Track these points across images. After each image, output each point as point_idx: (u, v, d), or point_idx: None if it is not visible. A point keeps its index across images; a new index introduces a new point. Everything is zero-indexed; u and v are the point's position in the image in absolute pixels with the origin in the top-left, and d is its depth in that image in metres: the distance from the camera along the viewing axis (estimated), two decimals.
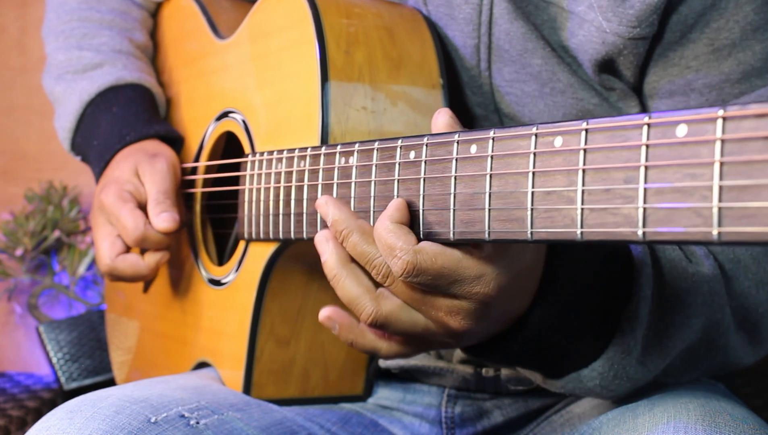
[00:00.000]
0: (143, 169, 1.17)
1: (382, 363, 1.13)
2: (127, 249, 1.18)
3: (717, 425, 0.86)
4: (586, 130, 0.61)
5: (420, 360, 1.12)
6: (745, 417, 0.91)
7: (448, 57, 1.05)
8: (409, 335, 0.82)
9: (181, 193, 1.23)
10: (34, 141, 2.04)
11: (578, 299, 0.82)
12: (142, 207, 1.16)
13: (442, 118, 0.77)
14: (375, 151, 0.82)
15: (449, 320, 0.78)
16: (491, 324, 0.80)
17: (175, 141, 1.27)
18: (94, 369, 1.76)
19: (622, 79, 1.00)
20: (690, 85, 0.97)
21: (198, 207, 1.23)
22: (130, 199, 1.15)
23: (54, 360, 1.76)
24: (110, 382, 1.66)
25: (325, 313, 0.85)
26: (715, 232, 0.53)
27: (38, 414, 1.62)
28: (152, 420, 0.93)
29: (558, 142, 0.64)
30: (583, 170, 0.61)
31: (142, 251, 1.18)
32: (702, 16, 0.94)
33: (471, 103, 1.07)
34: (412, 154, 0.78)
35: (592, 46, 0.96)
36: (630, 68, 0.98)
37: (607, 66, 0.98)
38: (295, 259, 1.04)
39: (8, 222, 1.87)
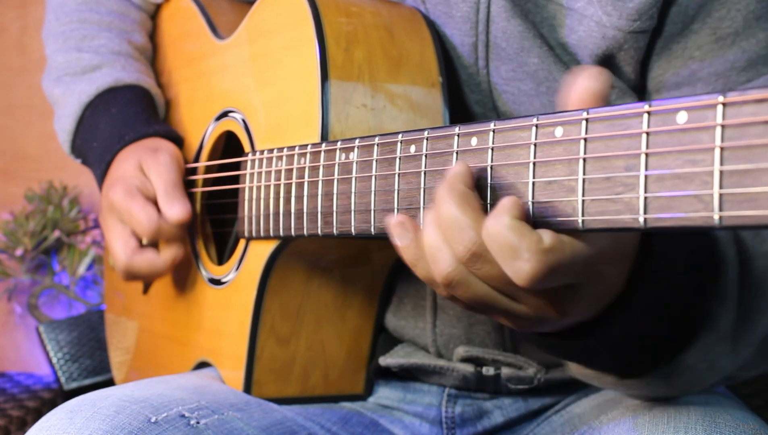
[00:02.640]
0: (147, 164, 1.17)
1: (382, 361, 1.13)
2: (142, 245, 1.18)
3: (717, 425, 0.86)
4: (587, 120, 0.62)
5: (420, 359, 1.12)
6: (745, 417, 0.91)
7: (446, 55, 1.05)
8: (481, 305, 0.72)
9: (184, 181, 1.23)
10: (34, 141, 2.05)
11: (671, 285, 0.75)
12: (152, 201, 1.16)
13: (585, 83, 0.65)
14: (375, 147, 0.83)
15: (545, 309, 0.69)
16: (585, 310, 0.72)
17: (175, 141, 1.27)
18: (94, 369, 1.76)
19: (622, 77, 1.00)
20: (695, 75, 0.96)
21: (198, 207, 1.23)
22: (138, 194, 1.15)
23: (54, 360, 1.76)
24: (110, 382, 1.66)
25: (400, 218, 0.73)
26: (716, 216, 0.53)
27: (38, 414, 1.62)
28: (152, 420, 0.93)
29: (558, 132, 0.64)
30: (584, 159, 0.62)
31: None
32: (703, 7, 0.94)
33: (469, 102, 1.07)
34: (412, 148, 0.78)
35: (593, 42, 0.97)
36: (631, 63, 0.98)
37: (607, 62, 0.99)
38: (296, 257, 1.04)
39: (8, 222, 1.87)
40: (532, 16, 1.01)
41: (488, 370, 1.11)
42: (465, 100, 1.07)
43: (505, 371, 1.10)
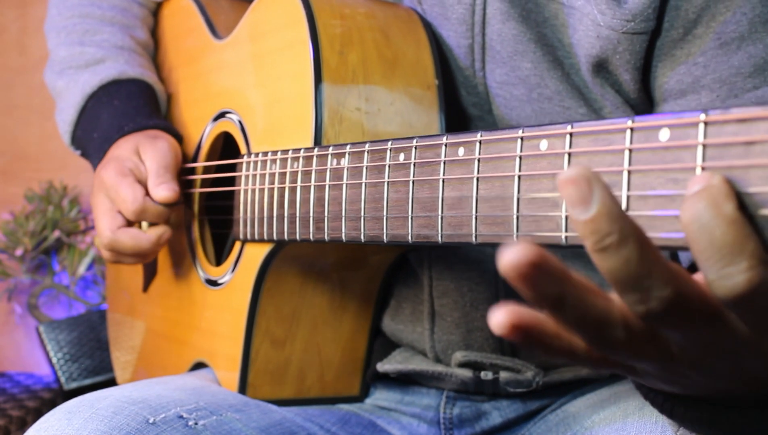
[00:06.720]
0: (144, 148, 1.18)
1: (380, 367, 1.13)
2: (128, 224, 1.17)
3: None
4: (571, 134, 0.61)
5: (418, 364, 1.11)
6: None
7: (443, 57, 1.04)
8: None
9: (181, 180, 1.23)
10: (34, 141, 2.06)
11: None
12: (142, 183, 1.16)
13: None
14: (366, 153, 0.82)
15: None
16: None
17: (175, 137, 1.27)
18: (94, 369, 1.77)
19: (621, 87, 0.97)
20: (699, 82, 0.93)
21: (196, 208, 1.23)
22: (130, 174, 1.15)
23: (54, 360, 1.77)
24: (110, 382, 1.67)
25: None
26: None
27: (38, 414, 1.63)
28: (150, 421, 0.93)
29: (543, 145, 0.63)
30: None
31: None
32: (705, 10, 0.91)
33: (466, 104, 1.06)
34: (401, 157, 0.77)
35: (588, 41, 0.94)
36: (628, 70, 0.95)
37: (603, 66, 0.96)
38: (290, 260, 1.04)
39: (8, 222, 1.88)
40: (534, 16, 0.99)
41: (486, 375, 1.10)
42: (461, 103, 1.06)
43: (504, 375, 1.09)
